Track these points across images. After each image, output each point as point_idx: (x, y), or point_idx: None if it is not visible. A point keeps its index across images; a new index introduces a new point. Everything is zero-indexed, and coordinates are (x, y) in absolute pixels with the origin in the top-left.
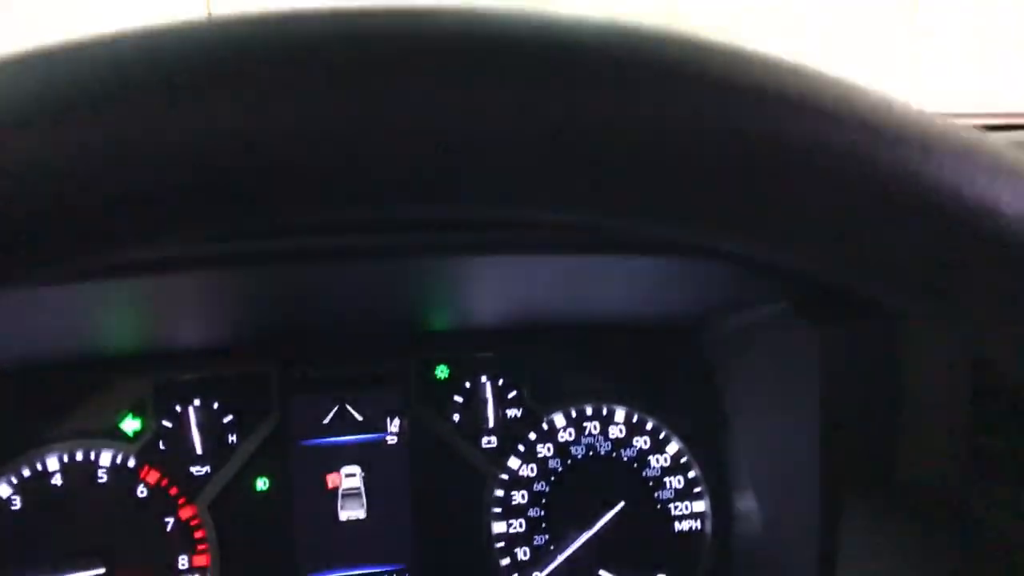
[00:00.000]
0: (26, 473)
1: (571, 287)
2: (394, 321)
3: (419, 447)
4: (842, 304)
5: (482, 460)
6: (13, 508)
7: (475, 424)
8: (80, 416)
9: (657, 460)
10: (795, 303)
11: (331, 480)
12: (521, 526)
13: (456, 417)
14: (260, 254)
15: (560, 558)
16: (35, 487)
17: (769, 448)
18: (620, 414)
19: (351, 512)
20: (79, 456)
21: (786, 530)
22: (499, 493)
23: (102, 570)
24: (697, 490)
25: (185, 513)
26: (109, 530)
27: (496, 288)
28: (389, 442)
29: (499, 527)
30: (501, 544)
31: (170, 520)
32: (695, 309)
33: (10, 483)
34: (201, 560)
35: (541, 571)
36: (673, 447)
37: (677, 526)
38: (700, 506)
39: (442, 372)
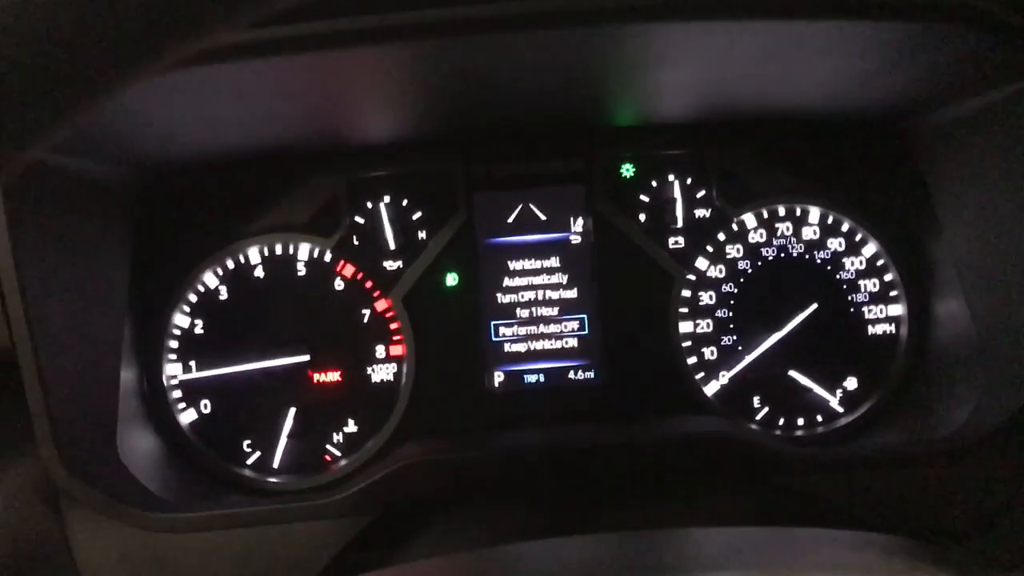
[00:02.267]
0: (230, 264)
1: (769, 71)
2: (578, 117)
3: (604, 246)
4: None
5: (669, 261)
6: (221, 298)
7: (662, 224)
8: (277, 211)
9: (852, 263)
10: None
11: (517, 277)
12: (708, 326)
13: (642, 217)
14: (442, 22)
15: (748, 358)
16: (239, 278)
17: (986, 248)
18: (815, 214)
19: (537, 309)
20: (278, 250)
21: (998, 335)
22: (686, 294)
23: (307, 357)
24: (894, 293)
25: (380, 306)
26: (310, 321)
27: (686, 73)
28: (573, 241)
29: (686, 327)
30: (688, 344)
31: (366, 312)
32: (912, 96)
33: (216, 274)
34: (397, 350)
35: (729, 370)
36: (870, 249)
37: (870, 330)
38: (896, 310)
39: (628, 170)
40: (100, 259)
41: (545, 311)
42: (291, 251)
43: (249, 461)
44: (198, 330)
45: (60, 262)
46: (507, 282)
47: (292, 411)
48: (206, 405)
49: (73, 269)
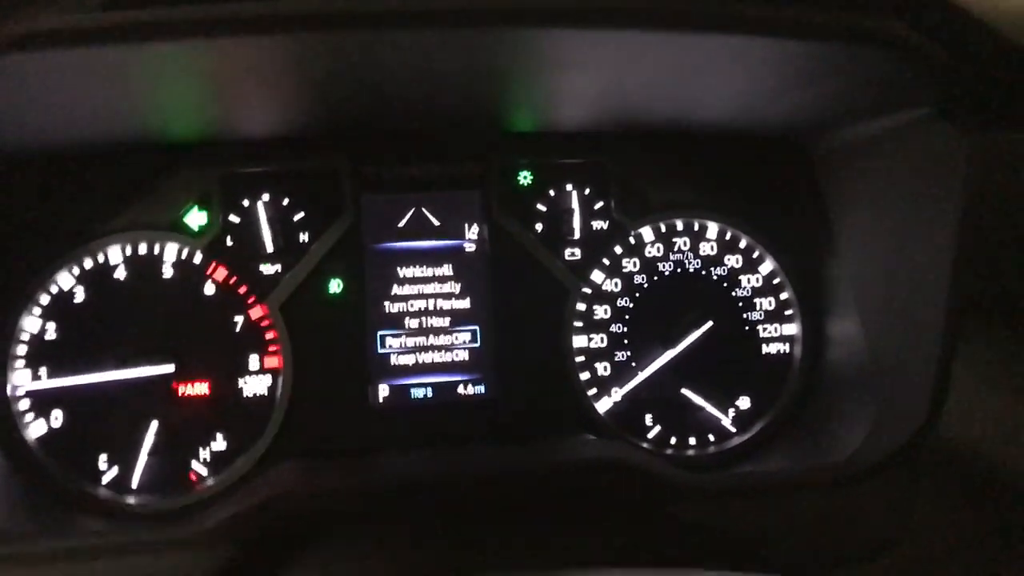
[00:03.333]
0: (88, 264)
1: (671, 83)
2: (475, 120)
3: (499, 256)
4: (1007, 104)
5: (565, 272)
6: (76, 300)
7: (559, 234)
8: (143, 207)
9: (749, 280)
10: (944, 105)
11: (406, 286)
12: (603, 341)
13: (539, 226)
14: (330, 14)
15: (642, 375)
16: (98, 280)
17: (884, 270)
18: (713, 230)
19: (427, 319)
20: (142, 249)
21: (893, 358)
22: (581, 307)
23: (172, 367)
24: (789, 312)
25: (255, 313)
26: (177, 328)
27: (585, 81)
28: (467, 249)
29: (580, 341)
30: (581, 358)
31: (240, 319)
32: (816, 115)
33: (72, 274)
34: (273, 361)
35: (621, 387)
36: (767, 266)
37: (765, 348)
38: (791, 329)
39: (525, 178)
40: None
41: (436, 321)
42: (156, 251)
43: (105, 480)
44: (50, 335)
45: None
46: (396, 290)
47: (154, 425)
48: (57, 417)
49: None
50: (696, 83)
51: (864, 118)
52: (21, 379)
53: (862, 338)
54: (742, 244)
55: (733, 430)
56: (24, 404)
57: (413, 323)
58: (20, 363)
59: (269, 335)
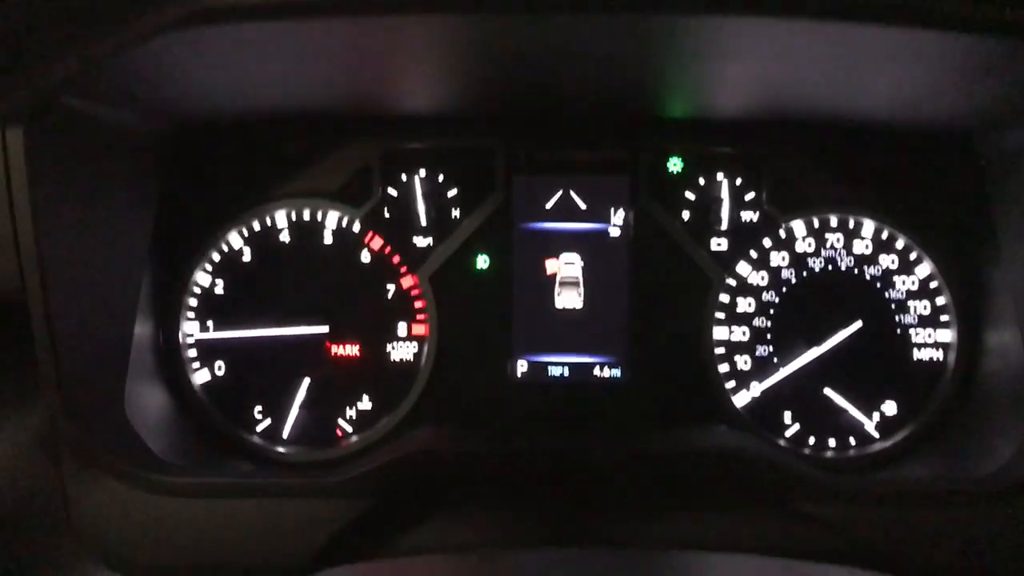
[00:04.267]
0: (256, 227)
1: (834, 74)
2: (628, 106)
3: (643, 242)
4: None
5: (710, 263)
6: (244, 260)
7: (706, 224)
8: (308, 176)
9: (904, 282)
10: None
11: (550, 266)
12: (744, 335)
13: (686, 215)
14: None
15: (783, 372)
16: (264, 242)
17: None
18: (869, 228)
19: (568, 300)
20: (306, 215)
21: None
22: (724, 299)
23: (326, 328)
24: (945, 318)
25: (406, 282)
26: (333, 292)
27: (746, 69)
28: (612, 234)
29: (720, 333)
30: (721, 351)
31: (391, 288)
32: (983, 114)
33: (241, 235)
34: (420, 329)
35: (760, 382)
36: (924, 269)
37: (916, 354)
38: (946, 335)
39: (675, 165)
40: (122, 210)
41: (575, 303)
42: (319, 218)
43: (259, 428)
44: (218, 290)
45: (79, 209)
46: (540, 269)
47: (306, 382)
48: (220, 367)
49: (93, 217)
50: (860, 75)
51: None
52: (191, 328)
53: (1021, 349)
54: (899, 244)
55: (876, 435)
56: (192, 352)
57: (554, 303)
58: (191, 314)
59: (418, 304)
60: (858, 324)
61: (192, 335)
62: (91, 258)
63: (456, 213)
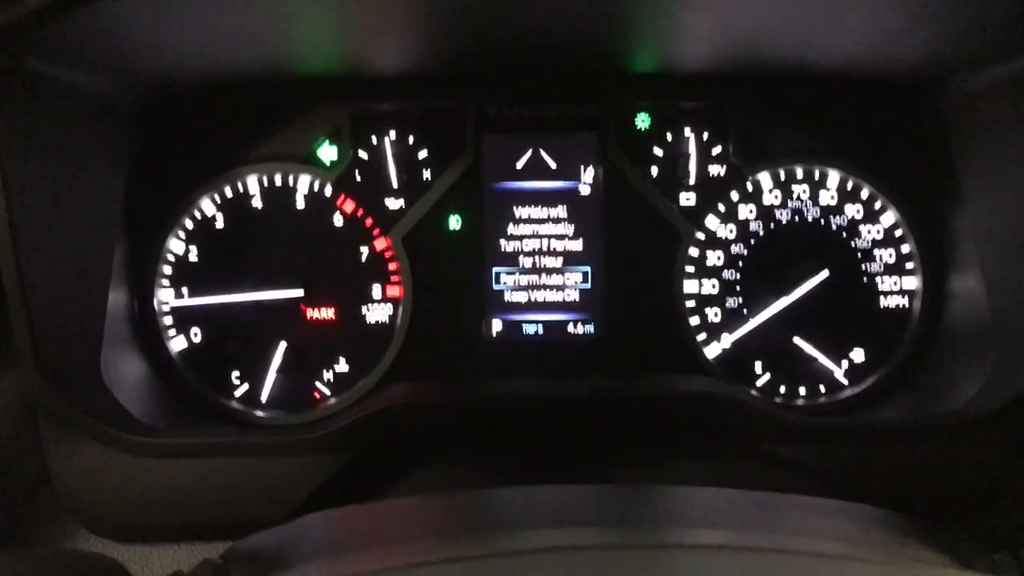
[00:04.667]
0: (228, 193)
1: (797, 21)
2: (596, 61)
3: (613, 199)
4: None
5: (679, 217)
6: (217, 226)
7: (675, 179)
8: (278, 140)
9: (869, 231)
10: None
11: (522, 225)
12: (714, 287)
13: (654, 170)
14: None
15: (753, 323)
16: (237, 207)
17: (1008, 224)
18: (834, 178)
19: (541, 259)
20: (278, 180)
21: (1016, 313)
22: (694, 252)
23: (301, 292)
24: (910, 265)
25: (379, 244)
26: (307, 255)
27: (711, 19)
28: (582, 191)
29: (691, 286)
30: (691, 303)
31: (365, 250)
32: (943, 59)
33: (213, 201)
34: (394, 291)
35: (731, 333)
36: (889, 217)
37: (883, 302)
38: (911, 283)
39: (643, 120)
40: (93, 177)
41: (549, 261)
42: (291, 182)
43: (237, 393)
44: (192, 257)
45: (50, 176)
46: (512, 229)
47: (283, 345)
48: (196, 334)
49: (64, 184)
50: (821, 20)
51: (996, 61)
52: (166, 296)
53: (984, 294)
54: (864, 194)
55: (845, 382)
56: (168, 320)
57: (527, 261)
58: (165, 282)
59: (391, 266)
60: (825, 274)
61: (167, 302)
62: (63, 225)
63: (427, 174)
